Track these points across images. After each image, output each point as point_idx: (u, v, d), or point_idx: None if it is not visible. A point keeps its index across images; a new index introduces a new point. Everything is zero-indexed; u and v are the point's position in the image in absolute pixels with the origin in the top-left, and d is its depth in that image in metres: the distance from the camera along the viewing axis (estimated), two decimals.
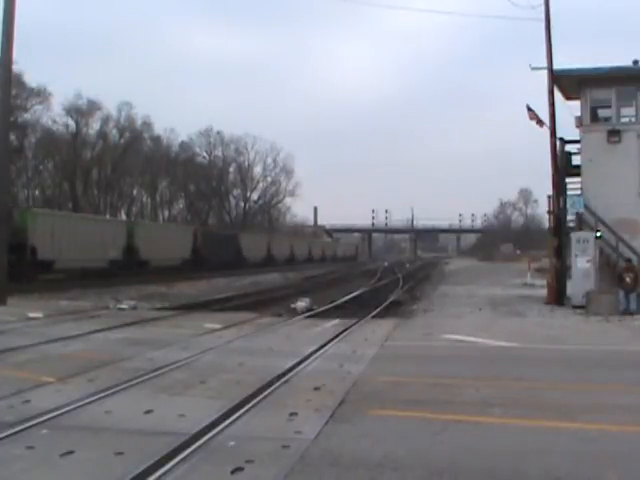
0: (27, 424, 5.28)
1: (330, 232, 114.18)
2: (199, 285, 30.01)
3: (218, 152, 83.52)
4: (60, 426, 5.35)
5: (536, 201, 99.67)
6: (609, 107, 20.05)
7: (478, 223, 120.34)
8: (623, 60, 25.52)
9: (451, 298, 21.49)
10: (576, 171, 20.28)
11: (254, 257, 52.74)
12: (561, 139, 20.07)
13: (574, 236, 17.95)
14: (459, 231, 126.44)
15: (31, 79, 54.58)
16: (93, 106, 63.36)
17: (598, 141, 19.50)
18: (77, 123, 63.14)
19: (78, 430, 5.23)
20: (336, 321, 13.89)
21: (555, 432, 5.28)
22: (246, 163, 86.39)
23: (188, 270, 37.32)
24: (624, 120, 20.05)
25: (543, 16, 19.23)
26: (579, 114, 20.19)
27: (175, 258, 38.25)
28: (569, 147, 20.78)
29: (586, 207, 18.93)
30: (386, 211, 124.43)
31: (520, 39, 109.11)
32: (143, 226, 39.35)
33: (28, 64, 49.01)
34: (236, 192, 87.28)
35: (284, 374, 7.63)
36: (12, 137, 45.14)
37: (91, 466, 4.42)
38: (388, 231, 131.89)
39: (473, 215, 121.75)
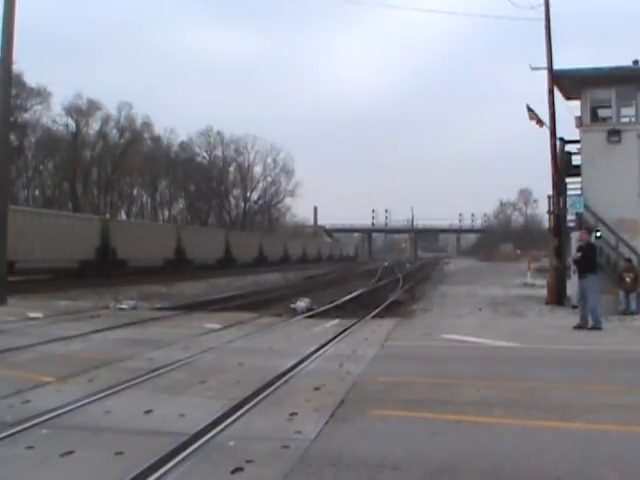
0: (27, 424, 5.27)
1: (330, 232, 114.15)
2: (199, 285, 30.04)
3: (218, 152, 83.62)
4: (60, 426, 5.34)
5: (536, 201, 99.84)
6: (609, 107, 20.07)
7: (478, 223, 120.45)
8: (623, 60, 25.58)
9: (451, 298, 21.49)
10: (576, 171, 20.29)
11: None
12: (561, 139, 20.07)
13: (574, 236, 17.93)
14: (459, 231, 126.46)
15: (31, 79, 54.69)
16: (93, 106, 63.48)
17: (598, 141, 19.50)
18: (77, 123, 63.24)
19: (78, 430, 5.22)
20: (336, 321, 13.88)
21: (555, 432, 5.27)
22: (246, 163, 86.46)
23: None
24: (624, 120, 20.05)
25: (543, 16, 19.25)
26: (579, 114, 20.20)
27: None
28: (569, 147, 20.81)
29: (586, 207, 18.93)
30: (386, 211, 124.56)
31: (520, 39, 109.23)
32: None
33: (28, 64, 49.12)
34: (236, 192, 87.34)
35: (284, 374, 7.62)
36: (12, 137, 45.15)
37: (91, 466, 4.42)
38: (388, 231, 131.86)
39: (473, 215, 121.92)
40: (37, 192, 63.79)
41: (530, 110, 19.40)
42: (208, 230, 60.08)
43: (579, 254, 13.07)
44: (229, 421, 5.48)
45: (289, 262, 62.25)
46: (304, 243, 77.17)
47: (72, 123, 62.69)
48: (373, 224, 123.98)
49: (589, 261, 12.94)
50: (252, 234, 66.19)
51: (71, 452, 4.62)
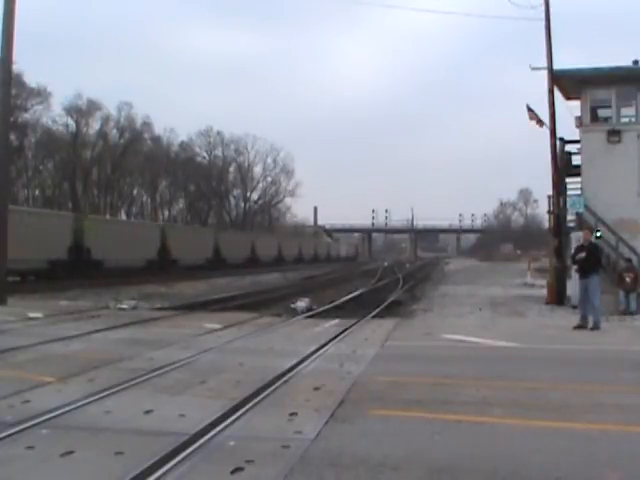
0: (27, 424, 5.26)
1: (330, 232, 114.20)
2: (199, 285, 30.03)
3: (218, 152, 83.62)
4: (60, 426, 5.33)
5: (536, 201, 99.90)
6: (609, 107, 20.08)
7: (478, 223, 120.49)
8: (623, 60, 25.58)
9: (451, 298, 21.49)
10: (576, 171, 20.31)
11: None
12: (561, 139, 20.08)
13: (574, 236, 17.92)
14: (459, 231, 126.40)
15: (31, 79, 54.68)
16: (93, 106, 63.47)
17: (598, 141, 19.51)
18: (77, 123, 63.24)
19: (78, 430, 5.21)
20: (336, 321, 13.88)
21: (555, 432, 5.27)
22: (246, 163, 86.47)
23: None
24: (624, 120, 20.07)
25: (543, 16, 19.25)
26: (579, 114, 20.21)
27: None
28: (569, 147, 20.84)
29: (586, 207, 18.93)
30: (386, 211, 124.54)
31: (520, 39, 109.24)
32: None
33: (28, 64, 49.14)
34: (236, 192, 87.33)
35: (284, 374, 7.62)
36: (12, 137, 45.13)
37: (91, 466, 4.41)
38: (388, 231, 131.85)
39: (473, 215, 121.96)
40: (37, 192, 63.79)
41: (530, 110, 19.41)
42: (196, 229, 57.95)
43: (583, 254, 12.91)
44: (229, 421, 5.48)
45: (284, 263, 59.53)
46: (300, 243, 74.36)
47: (72, 123, 62.73)
48: (373, 224, 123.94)
49: (594, 261, 12.87)
50: (244, 234, 63.28)
51: (71, 452, 4.62)
